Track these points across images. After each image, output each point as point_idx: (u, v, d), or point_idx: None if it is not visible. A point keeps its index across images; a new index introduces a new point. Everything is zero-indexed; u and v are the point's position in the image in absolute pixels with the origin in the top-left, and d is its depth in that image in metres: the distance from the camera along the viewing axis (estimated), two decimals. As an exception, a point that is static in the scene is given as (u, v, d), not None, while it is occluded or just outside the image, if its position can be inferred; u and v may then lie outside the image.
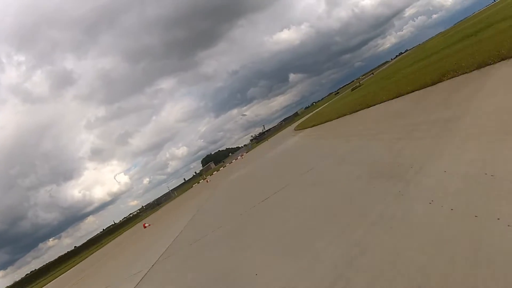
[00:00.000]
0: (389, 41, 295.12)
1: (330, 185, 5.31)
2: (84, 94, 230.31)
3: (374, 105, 11.33)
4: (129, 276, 8.28)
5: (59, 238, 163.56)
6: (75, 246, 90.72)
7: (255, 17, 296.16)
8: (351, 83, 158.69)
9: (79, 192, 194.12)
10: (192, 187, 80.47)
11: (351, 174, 5.10)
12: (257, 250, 4.41)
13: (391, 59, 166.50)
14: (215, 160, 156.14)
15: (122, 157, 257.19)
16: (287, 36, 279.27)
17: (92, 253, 45.89)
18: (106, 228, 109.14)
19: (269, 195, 7.11)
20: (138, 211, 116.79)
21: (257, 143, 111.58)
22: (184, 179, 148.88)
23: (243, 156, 74.47)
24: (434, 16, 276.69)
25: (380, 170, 4.48)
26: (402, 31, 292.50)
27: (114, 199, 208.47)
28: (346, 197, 4.30)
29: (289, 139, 22.97)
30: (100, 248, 47.79)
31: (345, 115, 13.99)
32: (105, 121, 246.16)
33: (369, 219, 3.17)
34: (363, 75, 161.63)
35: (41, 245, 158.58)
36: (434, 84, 7.94)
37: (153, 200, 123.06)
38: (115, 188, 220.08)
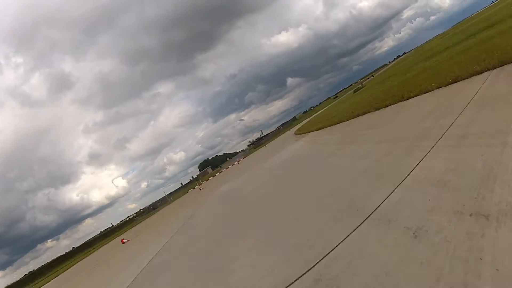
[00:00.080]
0: (386, 43, 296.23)
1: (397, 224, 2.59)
2: (82, 98, 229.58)
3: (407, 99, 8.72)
4: None
5: (57, 239, 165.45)
6: (73, 247, 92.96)
7: (253, 18, 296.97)
8: (349, 87, 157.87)
9: (77, 196, 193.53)
10: (187, 192, 78.89)
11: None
12: None
13: (389, 62, 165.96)
14: (212, 165, 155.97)
15: (120, 162, 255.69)
16: (285, 39, 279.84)
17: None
18: (103, 231, 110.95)
19: (264, 236, 4.50)
20: (135, 214, 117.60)
21: (254, 148, 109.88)
22: (181, 183, 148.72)
23: (239, 162, 72.07)
24: (432, 18, 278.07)
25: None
26: (400, 33, 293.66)
27: (112, 202, 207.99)
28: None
29: (291, 144, 20.15)
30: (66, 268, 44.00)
31: (360, 114, 11.40)
32: (103, 125, 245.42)
33: None
34: (361, 79, 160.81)
35: (39, 246, 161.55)
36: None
37: (150, 204, 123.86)
38: (113, 191, 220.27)
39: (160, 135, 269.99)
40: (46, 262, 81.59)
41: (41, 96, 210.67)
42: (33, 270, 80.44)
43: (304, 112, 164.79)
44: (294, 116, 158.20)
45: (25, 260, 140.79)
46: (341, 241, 3.07)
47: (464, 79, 6.06)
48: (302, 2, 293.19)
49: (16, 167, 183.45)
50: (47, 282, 39.55)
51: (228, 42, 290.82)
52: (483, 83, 5.12)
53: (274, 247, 4.00)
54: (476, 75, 5.75)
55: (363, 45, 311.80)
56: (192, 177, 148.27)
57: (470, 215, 2.26)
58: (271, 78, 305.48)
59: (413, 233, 2.48)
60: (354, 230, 3.14)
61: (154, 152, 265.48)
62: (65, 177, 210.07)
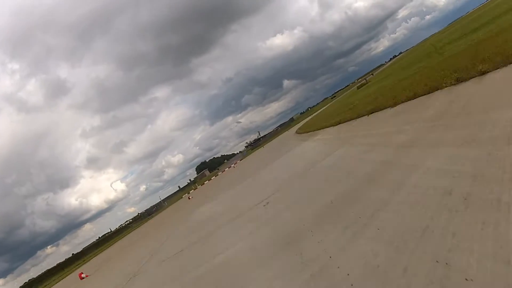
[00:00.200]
0: (382, 44, 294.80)
1: None
2: (79, 103, 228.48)
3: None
4: None
5: (57, 245, 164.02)
6: (72, 253, 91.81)
7: (248, 21, 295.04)
8: (346, 87, 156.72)
9: (76, 200, 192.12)
10: (182, 197, 76.23)
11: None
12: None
13: (385, 62, 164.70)
14: (210, 167, 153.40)
15: (118, 165, 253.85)
16: (281, 42, 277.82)
17: None
18: (101, 236, 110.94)
19: None
20: (131, 220, 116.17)
21: (252, 149, 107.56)
22: (179, 186, 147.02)
23: (236, 164, 69.36)
24: (427, 17, 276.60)
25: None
26: (395, 33, 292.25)
27: (111, 206, 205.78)
28: None
29: (296, 145, 17.28)
30: None
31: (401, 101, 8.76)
32: (100, 130, 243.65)
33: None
34: (359, 79, 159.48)
35: (39, 252, 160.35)
36: None
37: (145, 209, 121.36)
38: (111, 195, 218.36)
39: (157, 138, 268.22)
40: (45, 270, 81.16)
41: (38, 102, 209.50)
42: (33, 278, 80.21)
43: (302, 113, 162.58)
44: (292, 117, 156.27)
45: (25, 267, 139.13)
46: None
47: None
48: (297, 4, 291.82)
49: (14, 172, 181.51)
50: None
51: (224, 46, 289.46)
52: None
53: None
54: None
55: (358, 46, 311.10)
56: (190, 179, 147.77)
57: None
58: (268, 81, 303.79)
59: None
60: None
61: (152, 155, 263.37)
62: (63, 182, 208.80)
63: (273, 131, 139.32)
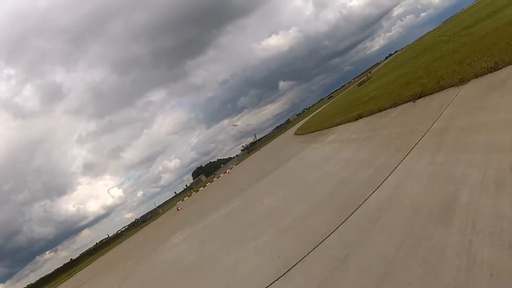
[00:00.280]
0: (377, 43, 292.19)
1: None
2: (75, 108, 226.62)
3: None
4: None
5: (55, 251, 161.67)
6: (71, 259, 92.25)
7: (242, 22, 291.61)
8: (342, 87, 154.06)
9: (73, 207, 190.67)
10: (175, 204, 72.73)
11: None
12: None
13: (381, 60, 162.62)
14: (206, 172, 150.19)
15: (115, 171, 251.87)
16: (276, 42, 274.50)
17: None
18: (99, 242, 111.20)
19: None
20: (127, 226, 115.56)
21: (248, 153, 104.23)
22: (175, 192, 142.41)
23: (231, 170, 65.69)
24: (423, 14, 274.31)
25: None
26: (391, 31, 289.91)
27: (108, 212, 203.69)
28: None
29: (299, 150, 13.88)
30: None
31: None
32: (96, 135, 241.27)
33: None
34: (355, 78, 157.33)
35: (38, 258, 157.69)
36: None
37: (141, 216, 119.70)
38: (109, 201, 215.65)
39: (154, 143, 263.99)
40: (44, 275, 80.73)
41: (34, 107, 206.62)
42: (31, 283, 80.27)
43: (298, 114, 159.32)
44: (288, 119, 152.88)
45: (24, 273, 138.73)
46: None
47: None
48: (291, 4, 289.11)
49: (11, 179, 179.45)
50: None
51: (219, 48, 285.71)
52: None
53: None
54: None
55: (354, 45, 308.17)
56: (186, 185, 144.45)
57: None
58: (263, 82, 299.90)
59: None
60: None
61: (149, 160, 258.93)
62: (60, 188, 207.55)
63: (269, 133, 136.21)
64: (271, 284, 3.55)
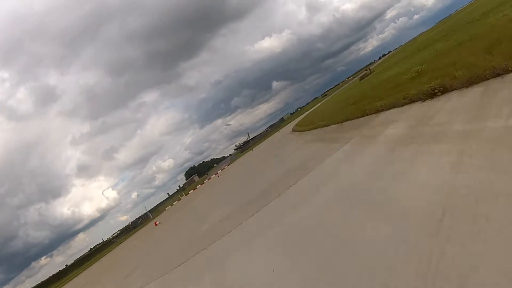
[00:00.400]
0: (371, 44, 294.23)
1: None
2: (68, 110, 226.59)
3: None
4: None
5: (51, 256, 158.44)
6: (66, 265, 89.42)
7: (235, 25, 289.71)
8: (335, 86, 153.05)
9: (68, 209, 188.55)
10: (165, 210, 69.70)
11: None
12: None
13: (375, 60, 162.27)
14: (199, 172, 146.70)
15: (109, 172, 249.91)
16: (269, 44, 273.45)
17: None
18: (93, 247, 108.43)
19: None
20: (119, 231, 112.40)
21: (241, 152, 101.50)
22: (168, 194, 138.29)
23: (223, 171, 62.45)
24: (416, 16, 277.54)
25: None
26: (384, 33, 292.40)
27: (103, 215, 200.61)
28: None
29: (324, 158, 8.71)
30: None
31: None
32: (90, 136, 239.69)
33: None
34: (349, 77, 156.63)
35: (33, 263, 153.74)
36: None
37: (131, 221, 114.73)
38: (103, 203, 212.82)
39: (147, 143, 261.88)
40: (40, 281, 77.11)
41: (28, 110, 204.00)
42: None
43: (292, 113, 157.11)
44: (282, 117, 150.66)
45: (21, 279, 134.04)
46: None
47: None
48: (285, 8, 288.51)
49: (6, 182, 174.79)
50: None
51: (212, 50, 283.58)
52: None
53: None
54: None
55: (347, 46, 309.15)
56: (179, 186, 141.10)
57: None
58: (256, 83, 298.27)
59: None
60: None
61: (143, 160, 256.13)
62: (55, 191, 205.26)
63: (263, 132, 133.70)
64: None
